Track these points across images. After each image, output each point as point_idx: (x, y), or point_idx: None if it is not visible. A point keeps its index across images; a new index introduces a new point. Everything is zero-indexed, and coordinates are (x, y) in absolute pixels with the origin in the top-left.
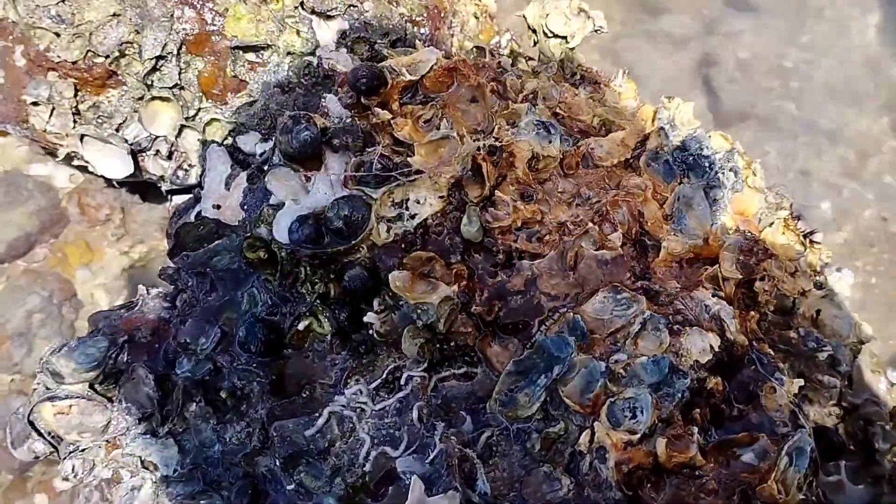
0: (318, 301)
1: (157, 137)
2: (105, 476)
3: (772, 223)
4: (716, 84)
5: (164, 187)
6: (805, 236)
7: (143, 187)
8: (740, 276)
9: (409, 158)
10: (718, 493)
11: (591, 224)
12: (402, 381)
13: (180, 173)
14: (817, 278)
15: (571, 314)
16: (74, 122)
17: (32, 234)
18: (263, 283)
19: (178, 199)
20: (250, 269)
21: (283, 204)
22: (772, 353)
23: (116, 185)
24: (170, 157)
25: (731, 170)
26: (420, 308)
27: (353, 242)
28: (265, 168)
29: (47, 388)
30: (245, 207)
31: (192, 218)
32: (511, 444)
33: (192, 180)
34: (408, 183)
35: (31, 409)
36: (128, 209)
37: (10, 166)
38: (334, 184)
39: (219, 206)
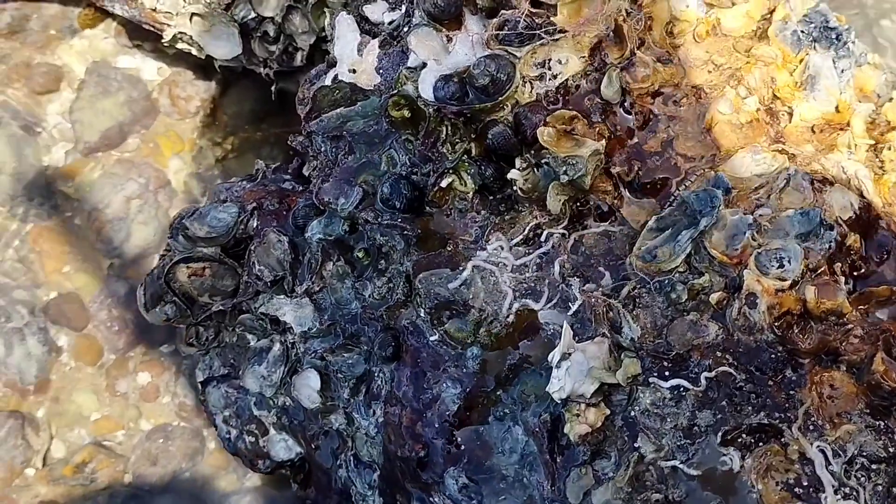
0: (462, 158)
1: (264, 19)
2: (230, 341)
3: (891, 99)
4: None
5: (266, 71)
6: None
7: (234, 78)
8: (871, 142)
9: (552, 18)
10: (863, 339)
11: (726, 87)
12: (543, 238)
13: (286, 56)
14: None
15: (713, 172)
16: (184, 0)
17: (124, 124)
18: (403, 144)
19: (314, 69)
20: (392, 129)
21: (423, 66)
22: None
23: (218, 68)
24: (276, 39)
25: (854, 42)
26: (569, 163)
27: (499, 99)
28: (397, 35)
29: (180, 251)
30: (381, 72)
31: (328, 82)
32: (654, 295)
33: (297, 63)
34: (551, 42)
35: (167, 269)
36: (218, 101)
37: (98, 57)
38: (475, 44)
39: (354, 71)
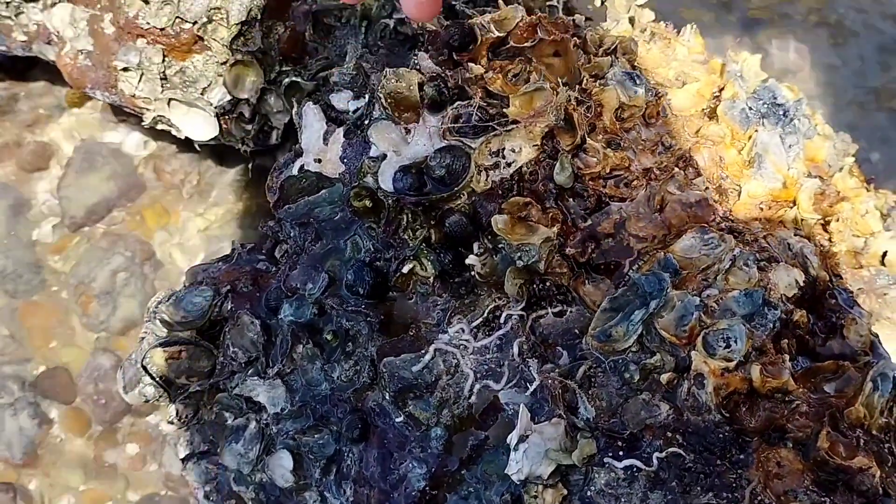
0: (421, 245)
1: (239, 100)
2: (208, 419)
3: (841, 168)
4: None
5: (244, 149)
6: (868, 181)
7: (216, 152)
8: (818, 217)
9: (504, 110)
10: (809, 415)
11: (676, 169)
12: (502, 320)
13: (262, 135)
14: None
15: (663, 253)
16: (162, 86)
17: (110, 198)
18: (367, 231)
19: (282, 158)
20: (354, 218)
21: (384, 156)
22: (850, 288)
23: (198, 147)
24: (252, 119)
25: (803, 117)
26: (522, 249)
27: (455, 189)
28: (361, 123)
29: (157, 336)
30: (345, 160)
31: (294, 171)
32: (608, 375)
33: (273, 141)
34: (504, 133)
35: (145, 354)
36: (201, 174)
37: (86, 134)
38: (432, 135)
39: (319, 160)
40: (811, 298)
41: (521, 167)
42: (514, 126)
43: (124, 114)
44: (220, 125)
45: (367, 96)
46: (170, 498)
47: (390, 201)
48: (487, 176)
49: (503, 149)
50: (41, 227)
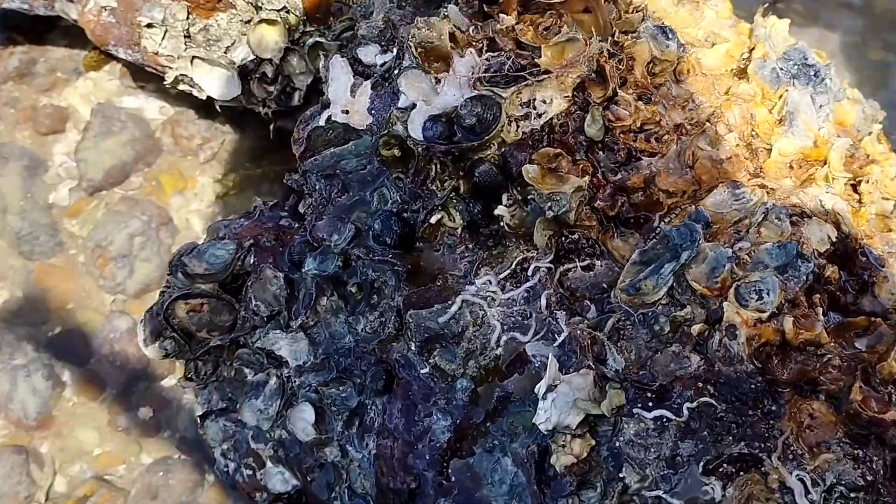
0: (450, 195)
1: (262, 60)
2: (228, 375)
3: (869, 133)
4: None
5: (265, 111)
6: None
7: (234, 118)
8: (849, 176)
9: (536, 60)
10: (842, 368)
11: (707, 124)
12: (530, 272)
13: (284, 96)
14: None
15: (694, 207)
16: (185, 44)
17: (128, 162)
18: (394, 182)
19: (308, 110)
20: (383, 168)
21: (413, 105)
22: (880, 247)
23: (219, 108)
24: (275, 80)
25: (834, 77)
26: (553, 199)
27: (486, 138)
28: (389, 76)
29: (179, 288)
30: (373, 112)
31: (322, 123)
32: (637, 328)
33: (295, 103)
34: (536, 83)
35: (166, 305)
36: (219, 139)
37: (103, 98)
38: (462, 85)
39: (347, 112)
40: (843, 255)
41: (551, 118)
42: (546, 76)
43: (142, 78)
44: (242, 85)
45: (394, 49)
46: (183, 462)
47: (420, 150)
48: (518, 126)
49: (534, 99)
50: (58, 189)
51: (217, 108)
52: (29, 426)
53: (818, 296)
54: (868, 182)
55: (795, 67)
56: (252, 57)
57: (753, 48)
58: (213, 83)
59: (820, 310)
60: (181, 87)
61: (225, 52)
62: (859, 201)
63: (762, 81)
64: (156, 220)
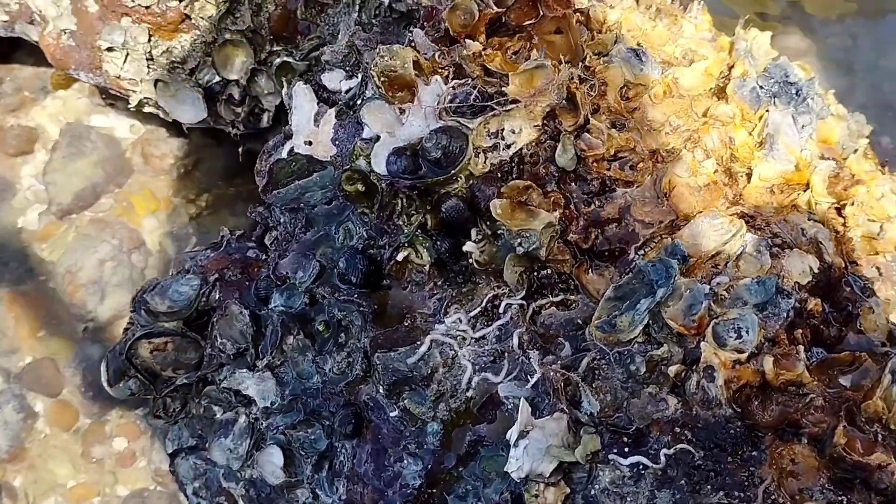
0: (416, 232)
1: (229, 82)
2: (197, 412)
3: (855, 150)
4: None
5: (234, 132)
6: (882, 165)
7: (207, 136)
8: (833, 201)
9: (504, 88)
10: (825, 409)
11: (684, 151)
12: (501, 309)
13: (252, 118)
14: None
15: (670, 239)
16: (148, 67)
17: (98, 184)
18: (359, 217)
19: (271, 140)
20: (346, 203)
21: (377, 137)
22: (866, 276)
23: (186, 131)
24: (242, 102)
25: (816, 96)
26: (522, 235)
27: (452, 172)
28: (353, 104)
29: (142, 326)
30: (336, 142)
31: (284, 154)
32: (613, 367)
33: (264, 124)
34: (503, 113)
35: (129, 345)
36: (191, 159)
37: (72, 118)
38: (428, 115)
39: (310, 143)
40: (826, 286)
41: (521, 149)
42: (514, 105)
43: (111, 97)
44: (209, 108)
45: (359, 75)
46: (159, 493)
47: (384, 185)
48: (486, 158)
49: (502, 129)
50: (26, 214)
51: (185, 129)
52: (1, 459)
53: (800, 331)
54: (853, 205)
55: (776, 86)
56: (218, 79)
57: (733, 66)
58: (179, 106)
59: (802, 347)
60: (147, 109)
61: (189, 75)
62: (844, 225)
63: (741, 102)
64: (127, 244)
